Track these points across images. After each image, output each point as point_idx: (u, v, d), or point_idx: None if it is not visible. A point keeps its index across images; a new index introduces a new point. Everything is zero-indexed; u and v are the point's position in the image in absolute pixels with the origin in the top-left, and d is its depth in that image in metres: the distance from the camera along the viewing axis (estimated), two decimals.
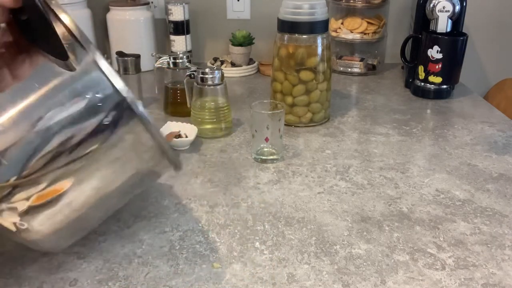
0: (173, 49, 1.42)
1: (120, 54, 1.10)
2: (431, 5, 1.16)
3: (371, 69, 1.42)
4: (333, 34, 1.40)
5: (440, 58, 1.16)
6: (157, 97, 1.16)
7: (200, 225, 0.67)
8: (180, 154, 0.89)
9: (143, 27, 1.38)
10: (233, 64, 1.41)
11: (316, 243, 0.63)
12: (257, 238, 0.64)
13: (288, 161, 0.87)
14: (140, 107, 0.41)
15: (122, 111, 0.42)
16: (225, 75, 0.99)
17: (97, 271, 0.58)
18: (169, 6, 1.38)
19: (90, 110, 0.42)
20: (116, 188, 0.47)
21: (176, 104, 1.06)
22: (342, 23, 1.40)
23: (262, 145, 0.86)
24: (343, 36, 1.40)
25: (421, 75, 1.20)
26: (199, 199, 0.73)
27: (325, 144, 0.94)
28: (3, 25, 0.48)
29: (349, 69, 1.42)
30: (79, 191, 0.45)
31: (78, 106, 0.42)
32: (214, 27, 1.50)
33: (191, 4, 1.43)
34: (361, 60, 1.41)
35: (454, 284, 0.56)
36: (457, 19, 1.17)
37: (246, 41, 1.39)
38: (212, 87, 0.94)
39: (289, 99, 1.00)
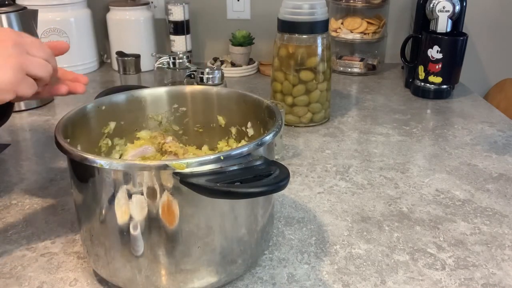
0: (173, 49, 1.42)
1: (120, 54, 1.10)
2: (431, 5, 1.16)
3: (371, 69, 1.42)
4: (333, 34, 1.40)
5: (440, 58, 1.16)
6: None
7: None
8: None
9: (143, 27, 1.38)
10: (233, 64, 1.41)
11: (316, 243, 0.63)
12: None
13: (288, 161, 0.87)
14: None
15: None
16: (225, 75, 0.99)
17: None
18: (169, 6, 1.38)
19: None
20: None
21: None
22: (342, 23, 1.40)
23: None
24: (343, 36, 1.40)
25: (421, 75, 1.20)
26: None
27: (325, 144, 0.94)
28: None
29: (349, 69, 1.42)
30: None
31: None
32: (214, 27, 1.50)
33: (191, 4, 1.43)
34: (361, 60, 1.41)
35: (454, 284, 0.56)
36: (457, 19, 1.17)
37: (246, 41, 1.40)
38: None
39: (289, 99, 1.00)
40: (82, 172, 0.49)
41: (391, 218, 0.69)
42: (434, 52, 1.16)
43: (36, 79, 0.53)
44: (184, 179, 0.44)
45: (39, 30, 1.12)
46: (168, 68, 1.06)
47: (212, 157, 0.45)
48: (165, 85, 1.07)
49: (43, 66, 0.53)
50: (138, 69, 1.10)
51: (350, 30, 1.39)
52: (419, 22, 1.21)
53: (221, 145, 0.68)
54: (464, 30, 1.19)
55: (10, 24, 1.00)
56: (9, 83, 0.50)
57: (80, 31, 1.34)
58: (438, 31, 1.16)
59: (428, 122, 1.06)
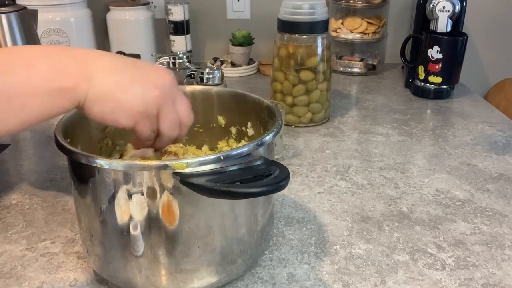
0: (173, 49, 1.42)
1: (120, 54, 1.10)
2: (431, 5, 1.16)
3: (371, 69, 1.42)
4: (333, 34, 1.40)
5: (440, 58, 1.16)
6: None
7: None
8: None
9: (143, 27, 1.38)
10: (233, 64, 1.41)
11: (316, 243, 0.63)
12: None
13: (288, 161, 0.87)
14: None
15: None
16: (225, 75, 0.99)
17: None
18: (169, 6, 1.38)
19: None
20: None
21: None
22: (342, 23, 1.40)
23: None
24: (343, 36, 1.40)
25: (421, 75, 1.20)
26: None
27: (325, 144, 0.94)
28: None
29: (349, 69, 1.42)
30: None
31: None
32: (214, 27, 1.50)
33: (191, 4, 1.43)
34: (361, 60, 1.41)
35: (454, 284, 0.56)
36: (457, 19, 1.17)
37: (246, 41, 1.40)
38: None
39: (289, 99, 1.00)
40: (82, 172, 0.49)
41: (391, 218, 0.69)
42: (434, 52, 1.16)
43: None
44: (184, 179, 0.44)
45: (39, 30, 1.12)
46: (168, 68, 1.06)
47: (212, 157, 0.45)
48: None
49: (173, 127, 0.47)
50: None
51: (350, 30, 1.39)
52: (419, 22, 1.21)
53: (221, 145, 0.68)
54: (464, 30, 1.19)
55: (10, 24, 1.00)
56: (137, 109, 0.43)
57: (80, 31, 1.34)
58: (438, 31, 1.16)
59: (428, 122, 1.06)
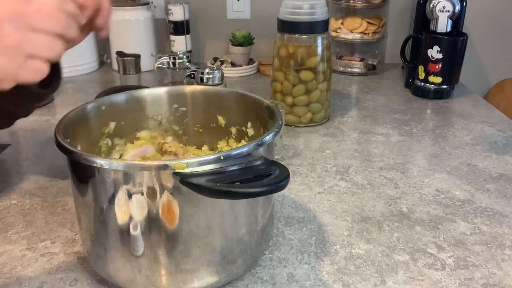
0: (173, 49, 1.42)
1: (120, 54, 1.10)
2: (431, 5, 1.16)
3: (371, 69, 1.42)
4: (333, 34, 1.40)
5: (440, 58, 1.16)
6: None
7: None
8: None
9: (143, 27, 1.38)
10: (233, 64, 1.41)
11: (316, 243, 0.63)
12: None
13: (288, 161, 0.87)
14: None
15: None
16: (225, 75, 0.99)
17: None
18: (169, 6, 1.38)
19: None
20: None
21: None
22: (342, 23, 1.40)
23: None
24: (343, 36, 1.40)
25: (421, 75, 1.20)
26: None
27: (325, 144, 0.94)
28: None
29: (349, 69, 1.42)
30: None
31: None
32: (214, 27, 1.50)
33: (191, 4, 1.43)
34: (361, 60, 1.41)
35: (454, 284, 0.56)
36: (457, 19, 1.17)
37: (246, 41, 1.40)
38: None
39: (289, 99, 1.00)
40: (82, 172, 0.49)
41: (391, 218, 0.69)
42: (434, 52, 1.16)
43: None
44: (184, 179, 0.44)
45: None
46: (168, 68, 1.06)
47: (212, 157, 0.45)
48: (165, 85, 1.07)
49: (50, 45, 0.42)
50: (138, 69, 1.10)
51: (350, 30, 1.39)
52: (419, 22, 1.21)
53: (221, 145, 0.68)
54: (464, 30, 1.19)
55: None
56: (2, 70, 0.40)
57: None
58: (438, 31, 1.16)
59: (428, 122, 1.06)
